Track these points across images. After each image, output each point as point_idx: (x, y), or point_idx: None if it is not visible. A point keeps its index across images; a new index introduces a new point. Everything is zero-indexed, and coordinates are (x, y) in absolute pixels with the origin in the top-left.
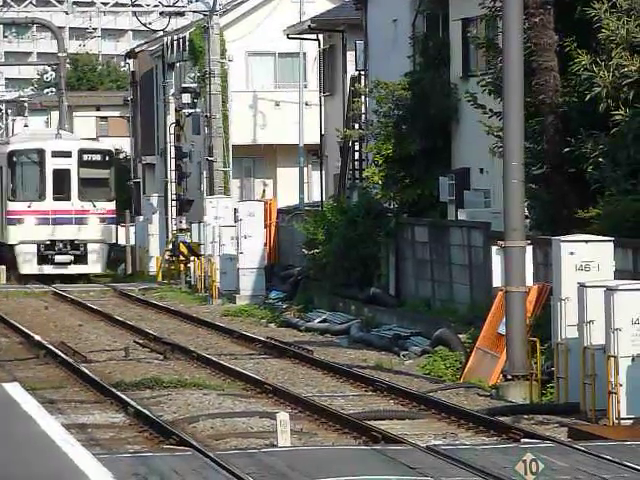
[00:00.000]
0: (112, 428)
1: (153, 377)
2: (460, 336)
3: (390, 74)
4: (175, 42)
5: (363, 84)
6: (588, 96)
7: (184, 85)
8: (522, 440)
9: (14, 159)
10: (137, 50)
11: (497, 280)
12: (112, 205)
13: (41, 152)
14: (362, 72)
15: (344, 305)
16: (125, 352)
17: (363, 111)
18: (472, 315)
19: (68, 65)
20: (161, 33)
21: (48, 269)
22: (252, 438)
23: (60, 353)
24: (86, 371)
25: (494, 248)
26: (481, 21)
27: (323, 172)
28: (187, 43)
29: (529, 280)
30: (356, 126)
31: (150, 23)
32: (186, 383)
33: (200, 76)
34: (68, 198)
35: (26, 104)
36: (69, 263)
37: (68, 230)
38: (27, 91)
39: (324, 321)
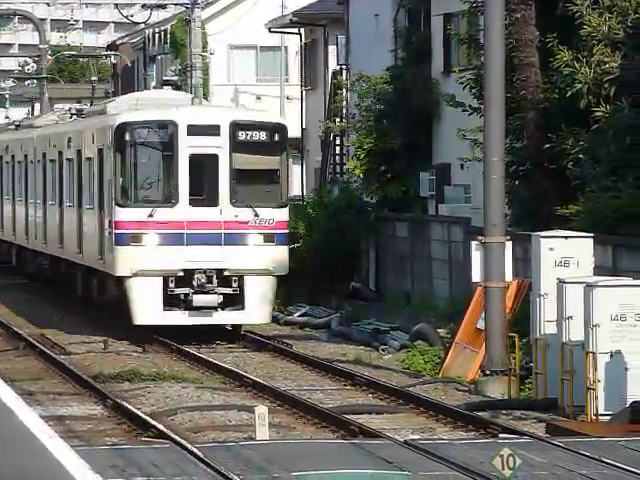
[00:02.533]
0: (90, 420)
1: (132, 370)
2: (439, 331)
3: (372, 69)
4: (156, 35)
5: (345, 78)
6: (569, 92)
7: (165, 78)
8: (500, 435)
9: (126, 138)
10: (119, 42)
11: (476, 275)
12: (284, 214)
13: (171, 127)
14: (344, 66)
15: (324, 299)
16: (104, 344)
17: (344, 105)
18: (451, 310)
19: (49, 57)
20: (143, 26)
21: (180, 317)
22: (230, 431)
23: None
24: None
25: (474, 243)
26: (462, 16)
27: (304, 166)
28: (168, 36)
29: (508, 276)
30: (337, 120)
31: (132, 15)
32: (165, 376)
33: (181, 69)
34: (213, 202)
35: (7, 96)
36: (215, 308)
37: (214, 254)
38: (8, 83)
39: (304, 315)
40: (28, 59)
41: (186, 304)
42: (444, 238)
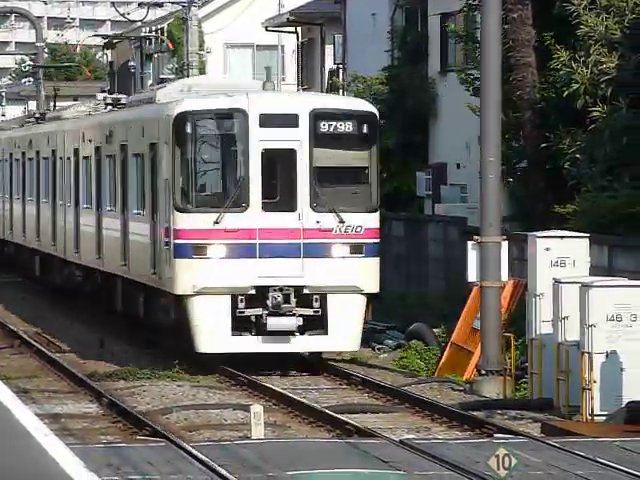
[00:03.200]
0: (86, 418)
1: (127, 368)
2: (435, 330)
3: (368, 68)
4: (153, 33)
5: (341, 78)
6: (566, 92)
7: (162, 76)
8: (495, 435)
9: (187, 130)
10: (115, 41)
11: (472, 275)
12: (374, 219)
13: (240, 117)
14: (340, 66)
15: None
16: (100, 343)
17: None
18: (447, 310)
19: (46, 55)
20: (139, 24)
21: (252, 344)
22: (226, 430)
23: None
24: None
25: (470, 243)
26: (459, 16)
27: None
28: (165, 34)
29: (504, 275)
30: None
31: (128, 13)
32: (160, 375)
33: (178, 67)
34: (291, 206)
35: (3, 93)
36: (293, 332)
37: (291, 268)
38: (5, 80)
39: None
40: (25, 57)
41: (258, 328)
42: (440, 237)
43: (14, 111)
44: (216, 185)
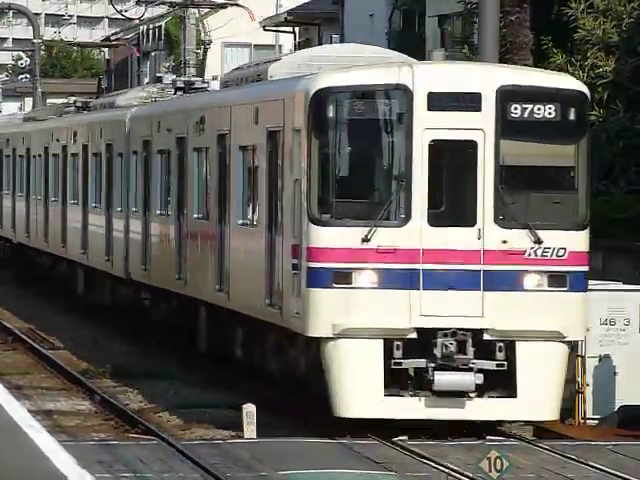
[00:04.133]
0: (78, 415)
1: (121, 366)
2: None
3: None
4: (151, 31)
5: None
6: None
7: (159, 74)
8: (487, 437)
9: (328, 114)
10: (112, 38)
11: None
12: (582, 240)
13: (401, 96)
14: None
15: None
16: (93, 340)
17: None
18: None
19: (43, 51)
20: (137, 22)
21: (412, 408)
22: (218, 429)
23: None
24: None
25: None
26: (457, 18)
27: None
28: (163, 32)
29: None
30: None
31: (126, 11)
32: (154, 373)
33: (175, 66)
34: (468, 219)
35: (0, 90)
36: (469, 394)
37: (468, 305)
38: (1, 77)
39: None
40: (22, 53)
41: (420, 385)
42: None
43: (10, 107)
44: (366, 188)
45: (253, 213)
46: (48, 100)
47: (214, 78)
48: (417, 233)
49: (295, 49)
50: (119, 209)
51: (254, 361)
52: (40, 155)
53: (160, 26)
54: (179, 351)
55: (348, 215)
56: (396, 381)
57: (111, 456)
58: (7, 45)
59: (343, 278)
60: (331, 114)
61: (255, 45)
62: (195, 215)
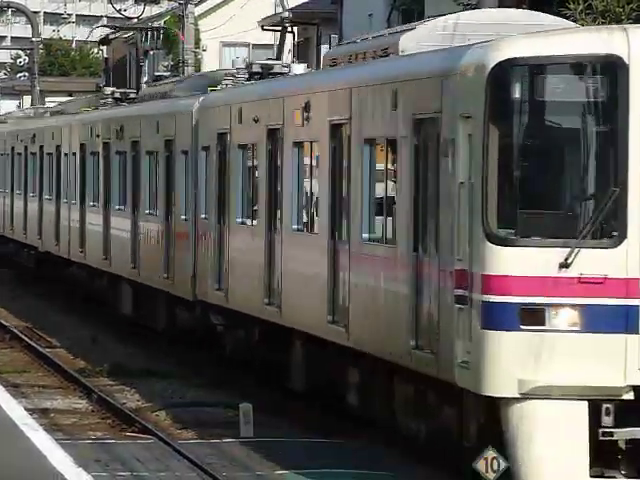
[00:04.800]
0: (75, 414)
1: (119, 364)
2: None
3: None
4: (149, 30)
5: None
6: None
7: (157, 73)
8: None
9: (514, 94)
10: (111, 37)
11: None
12: None
13: (611, 70)
14: None
15: None
16: (92, 339)
17: None
18: None
19: (41, 50)
20: (135, 21)
21: None
22: (215, 428)
23: None
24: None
25: None
26: None
27: None
28: (161, 31)
29: None
30: None
31: (125, 10)
32: (151, 372)
33: (173, 65)
34: None
35: None
36: None
37: None
38: (0, 75)
39: None
40: (20, 52)
41: (635, 464)
42: None
43: (8, 106)
44: (564, 196)
45: (391, 226)
46: (47, 99)
47: (293, 61)
48: (635, 257)
49: (294, 49)
50: (183, 217)
51: (376, 412)
52: (75, 153)
53: (159, 25)
54: (176, 350)
55: (539, 231)
56: (604, 457)
57: (108, 455)
58: (6, 43)
59: (533, 317)
60: (518, 94)
61: (254, 45)
62: (295, 226)
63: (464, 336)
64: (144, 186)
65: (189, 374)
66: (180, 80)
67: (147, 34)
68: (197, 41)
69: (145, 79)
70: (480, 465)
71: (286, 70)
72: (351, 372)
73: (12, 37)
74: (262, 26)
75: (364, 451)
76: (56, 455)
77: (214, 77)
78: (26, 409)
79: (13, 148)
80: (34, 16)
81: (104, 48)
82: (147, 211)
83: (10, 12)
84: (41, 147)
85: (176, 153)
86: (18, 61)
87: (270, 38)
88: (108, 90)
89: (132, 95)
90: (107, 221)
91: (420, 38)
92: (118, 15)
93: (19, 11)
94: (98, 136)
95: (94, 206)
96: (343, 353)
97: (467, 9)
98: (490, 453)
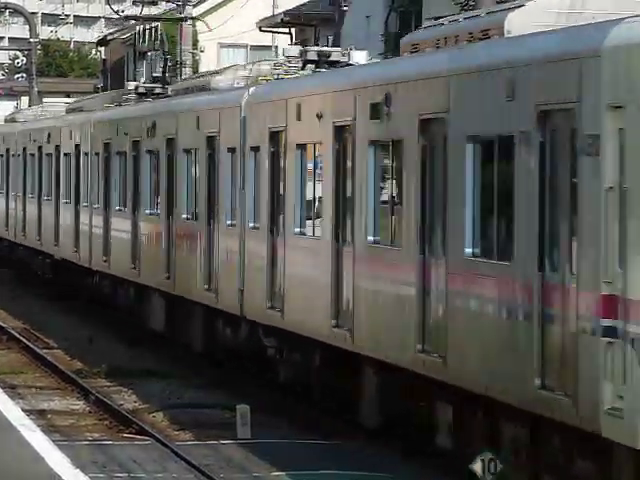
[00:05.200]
0: (72, 415)
1: (116, 365)
2: None
3: None
4: (147, 31)
5: None
6: None
7: (155, 74)
8: None
9: None
10: (109, 38)
11: None
12: None
13: None
14: None
15: None
16: (89, 340)
17: None
18: None
19: (39, 51)
20: (133, 22)
21: None
22: (213, 429)
23: None
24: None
25: None
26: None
27: None
28: (159, 32)
29: None
30: None
31: (122, 11)
32: (149, 372)
33: (171, 66)
34: None
35: None
36: None
37: None
38: None
39: None
40: (18, 52)
41: None
42: None
43: (6, 107)
44: None
45: (505, 238)
46: (44, 99)
47: (350, 48)
48: None
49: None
50: (230, 222)
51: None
52: (97, 153)
53: (156, 26)
54: (174, 351)
55: None
56: None
57: (105, 456)
58: (3, 44)
59: None
60: None
61: (251, 46)
62: (371, 238)
63: (614, 377)
64: (183, 189)
65: (186, 375)
66: (216, 71)
67: (145, 35)
68: (195, 42)
69: (142, 80)
70: (477, 467)
71: (345, 58)
72: (442, 408)
73: (10, 38)
74: (260, 27)
75: (362, 453)
76: (53, 456)
77: (258, 69)
78: (23, 410)
79: (25, 149)
80: (32, 17)
81: (102, 49)
82: (184, 216)
83: (8, 13)
84: (57, 147)
85: (219, 151)
86: (16, 62)
87: (268, 39)
88: (131, 85)
89: (157, 90)
90: (135, 227)
91: (530, 17)
92: (116, 16)
93: (17, 12)
94: (126, 134)
95: (120, 211)
96: (430, 385)
97: (465, 9)
98: (487, 455)
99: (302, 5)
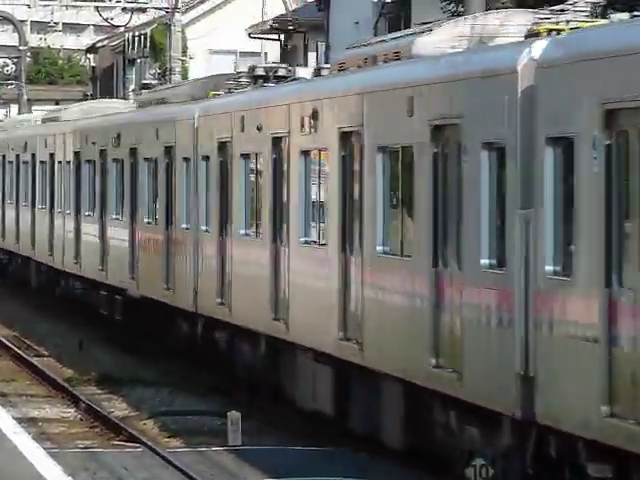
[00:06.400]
0: (63, 423)
1: (106, 372)
2: None
3: None
4: (136, 38)
5: None
6: None
7: (144, 81)
8: None
9: None
10: (98, 45)
11: None
12: None
13: None
14: None
15: None
16: (79, 345)
17: None
18: None
19: (28, 58)
20: (122, 29)
21: None
22: (203, 436)
23: None
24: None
25: None
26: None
27: None
28: (148, 39)
29: None
30: None
31: (112, 19)
32: (139, 379)
33: (160, 73)
34: None
35: None
36: None
37: None
38: None
39: None
40: (7, 60)
41: None
42: None
43: None
44: None
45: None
46: (33, 107)
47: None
48: None
49: (281, 57)
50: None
51: None
52: (209, 158)
53: (145, 33)
54: (165, 358)
55: None
56: None
57: (96, 463)
58: None
59: None
60: None
61: (241, 52)
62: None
63: None
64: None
65: (177, 382)
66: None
67: (134, 42)
68: (184, 49)
69: (132, 87)
70: (469, 472)
71: (291, 74)
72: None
73: None
74: (249, 34)
75: (352, 459)
76: (45, 464)
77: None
78: (14, 418)
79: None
80: (21, 24)
81: (91, 56)
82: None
83: None
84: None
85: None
86: (5, 69)
87: (257, 46)
88: (243, 67)
89: (281, 72)
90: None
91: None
92: (105, 24)
93: (6, 19)
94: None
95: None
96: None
97: (455, 15)
98: (479, 461)
99: (292, 11)
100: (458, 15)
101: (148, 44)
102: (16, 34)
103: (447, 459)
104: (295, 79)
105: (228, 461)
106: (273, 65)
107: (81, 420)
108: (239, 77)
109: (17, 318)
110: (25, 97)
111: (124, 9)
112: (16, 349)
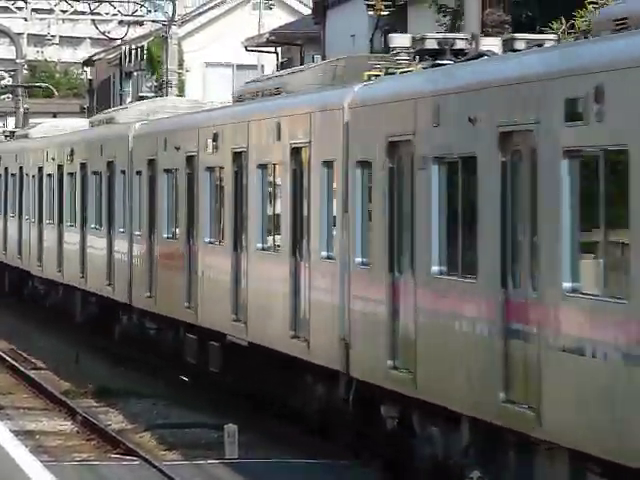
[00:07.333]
0: (60, 436)
1: (103, 385)
2: None
3: None
4: (133, 51)
5: None
6: None
7: (141, 94)
8: None
9: None
10: (95, 58)
11: None
12: None
13: None
14: None
15: None
16: (76, 358)
17: None
18: None
19: (25, 71)
20: (119, 42)
21: None
22: (200, 449)
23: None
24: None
25: None
26: None
27: None
28: (145, 52)
29: None
30: None
31: (109, 32)
32: (135, 392)
33: (157, 86)
34: None
35: None
36: None
37: None
38: None
39: None
40: (4, 73)
41: None
42: None
43: None
44: None
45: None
46: (31, 120)
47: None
48: None
49: (277, 69)
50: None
51: None
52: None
53: (142, 46)
54: (162, 371)
55: None
56: None
57: (93, 476)
58: None
59: None
60: None
61: (237, 65)
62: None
63: None
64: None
65: (174, 395)
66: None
67: (131, 55)
68: (181, 62)
69: (129, 100)
70: None
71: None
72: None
73: None
74: (246, 47)
75: (349, 471)
76: (42, 477)
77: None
78: (12, 431)
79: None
80: (17, 37)
81: (88, 69)
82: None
83: None
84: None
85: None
86: (2, 83)
87: (254, 59)
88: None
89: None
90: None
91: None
92: (102, 37)
93: (2, 32)
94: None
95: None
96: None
97: (447, 30)
98: (476, 473)
99: (289, 24)
100: (454, 22)
101: (145, 57)
102: (13, 47)
103: None
104: (481, 55)
105: (225, 474)
106: (449, 36)
107: (78, 433)
108: (396, 53)
109: (14, 331)
110: (22, 110)
111: (121, 22)
112: (13, 362)
